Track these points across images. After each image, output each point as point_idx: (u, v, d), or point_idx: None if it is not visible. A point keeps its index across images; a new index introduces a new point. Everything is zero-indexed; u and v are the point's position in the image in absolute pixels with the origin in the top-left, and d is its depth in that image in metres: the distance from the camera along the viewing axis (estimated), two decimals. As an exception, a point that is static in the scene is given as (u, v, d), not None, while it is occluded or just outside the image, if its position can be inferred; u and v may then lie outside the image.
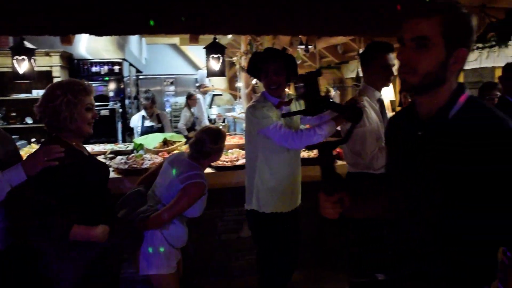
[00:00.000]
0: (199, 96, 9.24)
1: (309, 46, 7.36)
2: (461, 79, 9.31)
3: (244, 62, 5.26)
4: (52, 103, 2.29)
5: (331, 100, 1.69)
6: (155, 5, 3.33)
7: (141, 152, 4.74)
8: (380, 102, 2.99)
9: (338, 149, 4.62)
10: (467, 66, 8.27)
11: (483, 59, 7.62)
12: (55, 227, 2.18)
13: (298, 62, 7.93)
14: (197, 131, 3.17)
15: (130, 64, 9.49)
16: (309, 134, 2.70)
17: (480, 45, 5.67)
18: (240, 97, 7.17)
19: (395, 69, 2.94)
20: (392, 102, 7.76)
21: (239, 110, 7.77)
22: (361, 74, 8.57)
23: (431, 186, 1.41)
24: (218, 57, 4.73)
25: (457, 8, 1.38)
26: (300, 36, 6.81)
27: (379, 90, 3.00)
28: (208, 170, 3.97)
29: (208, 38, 4.60)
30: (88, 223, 2.29)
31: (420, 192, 1.45)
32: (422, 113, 1.49)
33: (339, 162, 4.39)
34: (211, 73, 4.81)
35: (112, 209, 2.63)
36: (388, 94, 9.19)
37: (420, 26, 1.36)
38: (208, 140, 2.87)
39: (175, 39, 11.42)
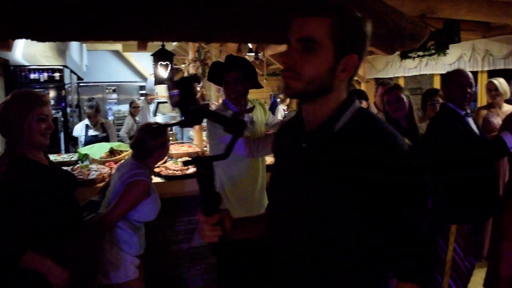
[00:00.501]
0: (142, 104, 9.09)
1: (258, 54, 7.39)
2: (402, 85, 9.64)
3: (192, 70, 5.19)
4: (2, 112, 2.23)
5: (211, 110, 1.50)
6: (102, 10, 3.22)
7: (86, 162, 4.59)
8: None
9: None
10: (407, 73, 8.62)
11: (423, 67, 7.95)
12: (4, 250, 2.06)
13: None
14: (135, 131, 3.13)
15: (71, 71, 9.18)
16: (266, 141, 2.70)
17: (420, 53, 5.89)
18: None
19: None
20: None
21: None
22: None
23: (312, 205, 1.28)
24: (167, 64, 4.65)
25: (350, 10, 1.26)
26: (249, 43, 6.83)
27: None
28: (157, 180, 3.90)
29: (153, 45, 4.51)
30: (54, 235, 2.21)
31: (300, 210, 1.32)
32: (308, 123, 1.36)
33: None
34: (159, 81, 4.72)
35: (80, 218, 2.52)
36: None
37: (308, 27, 1.24)
38: (147, 137, 2.81)
39: (118, 46, 11.17)
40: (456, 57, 7.45)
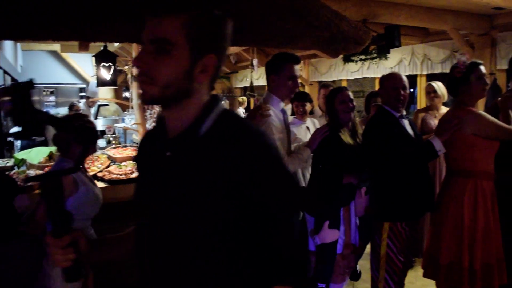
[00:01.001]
0: (82, 107, 8.79)
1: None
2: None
3: (136, 71, 5.06)
4: None
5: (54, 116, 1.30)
6: (40, 9, 3.07)
7: (23, 168, 4.37)
8: (284, 112, 3.02)
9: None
10: (350, 76, 8.81)
11: (365, 70, 8.16)
12: None
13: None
14: None
15: (5, 72, 8.74)
16: None
17: (363, 57, 6.03)
18: (132, 107, 6.90)
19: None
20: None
21: (131, 121, 7.48)
22: (255, 84, 8.76)
23: (182, 219, 1.18)
24: (109, 66, 4.51)
25: (207, 8, 1.17)
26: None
27: (283, 100, 3.03)
28: (101, 185, 3.76)
29: (95, 46, 4.36)
30: None
31: (168, 226, 1.21)
32: (171, 130, 1.24)
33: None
34: (101, 83, 4.58)
35: (14, 227, 2.37)
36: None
37: (162, 27, 1.13)
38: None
39: (55, 46, 10.72)
40: (396, 61, 7.70)
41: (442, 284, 2.92)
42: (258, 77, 10.04)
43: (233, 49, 8.06)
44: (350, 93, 3.12)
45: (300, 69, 10.22)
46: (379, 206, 2.94)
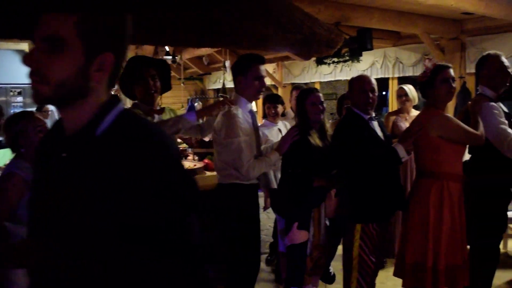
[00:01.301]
0: (51, 107, 8.58)
1: (176, 57, 7.23)
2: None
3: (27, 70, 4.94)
4: None
5: None
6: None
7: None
8: (252, 113, 3.00)
9: (206, 160, 4.57)
10: (323, 79, 8.84)
11: (337, 73, 8.20)
12: None
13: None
14: None
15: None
16: None
17: (335, 59, 6.03)
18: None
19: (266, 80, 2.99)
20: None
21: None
22: (227, 85, 8.73)
23: (75, 223, 1.12)
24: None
25: (100, 3, 1.13)
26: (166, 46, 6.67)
27: (251, 101, 3.01)
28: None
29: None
30: None
31: (63, 232, 1.14)
32: (68, 130, 1.19)
33: (208, 173, 4.33)
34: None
35: None
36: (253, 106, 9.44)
37: (53, 24, 1.08)
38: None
39: (23, 45, 10.46)
40: (369, 64, 7.76)
41: (408, 283, 2.94)
42: (231, 79, 9.98)
43: (205, 51, 8.00)
44: (321, 95, 3.11)
45: (273, 72, 10.24)
46: (351, 208, 2.94)
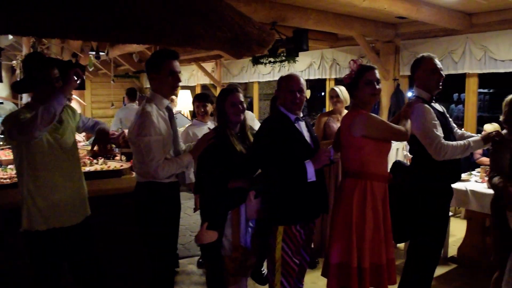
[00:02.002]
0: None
1: (101, 53, 6.94)
2: (256, 91, 9.85)
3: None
4: None
5: None
6: None
7: None
8: (169, 110, 2.89)
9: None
10: (261, 79, 8.80)
11: (276, 73, 8.18)
12: None
13: (91, 69, 7.43)
14: None
15: None
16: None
17: (271, 59, 5.97)
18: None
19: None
20: (191, 112, 7.80)
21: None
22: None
23: None
24: (-9, 60, 4.10)
25: None
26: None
27: (167, 97, 2.89)
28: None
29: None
30: None
31: None
32: None
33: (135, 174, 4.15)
34: (-18, 78, 4.15)
35: None
36: (188, 104, 9.25)
37: None
38: None
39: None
40: (306, 65, 7.78)
41: (333, 283, 2.92)
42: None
43: (135, 47, 7.73)
44: (241, 95, 3.04)
45: (212, 71, 10.10)
46: (272, 210, 2.88)
